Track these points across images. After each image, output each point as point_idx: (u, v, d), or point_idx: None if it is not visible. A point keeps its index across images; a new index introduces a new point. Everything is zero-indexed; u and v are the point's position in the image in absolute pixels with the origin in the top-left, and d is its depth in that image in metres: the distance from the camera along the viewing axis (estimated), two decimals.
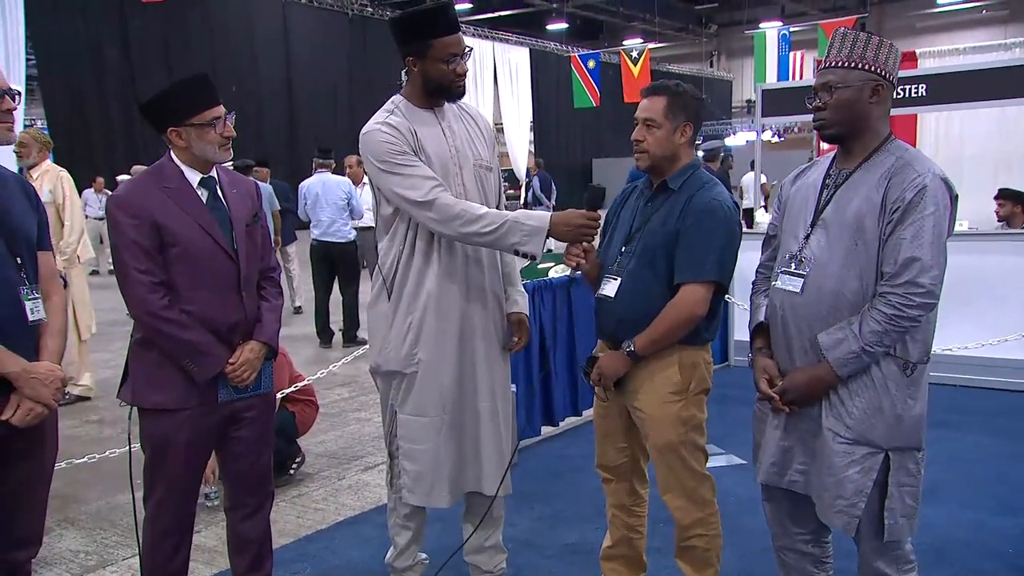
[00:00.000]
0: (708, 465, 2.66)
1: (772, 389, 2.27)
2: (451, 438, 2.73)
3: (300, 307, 9.46)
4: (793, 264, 2.24)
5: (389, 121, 2.64)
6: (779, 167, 15.33)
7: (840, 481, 2.15)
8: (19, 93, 2.30)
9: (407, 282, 2.69)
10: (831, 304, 2.16)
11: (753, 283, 2.50)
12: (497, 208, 2.84)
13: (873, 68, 2.15)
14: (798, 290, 2.21)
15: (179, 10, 14.64)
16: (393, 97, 2.76)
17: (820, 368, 2.16)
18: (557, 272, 4.95)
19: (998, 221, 6.78)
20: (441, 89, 2.69)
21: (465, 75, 2.70)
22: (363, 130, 2.67)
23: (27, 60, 11.58)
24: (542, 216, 2.55)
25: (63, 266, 5.48)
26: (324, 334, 7.75)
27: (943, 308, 2.17)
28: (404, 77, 2.74)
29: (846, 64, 2.17)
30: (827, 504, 2.19)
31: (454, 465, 2.75)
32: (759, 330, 2.40)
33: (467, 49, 2.67)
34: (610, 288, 2.59)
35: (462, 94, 2.75)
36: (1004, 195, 6.87)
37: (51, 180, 5.44)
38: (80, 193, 6.36)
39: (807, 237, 2.24)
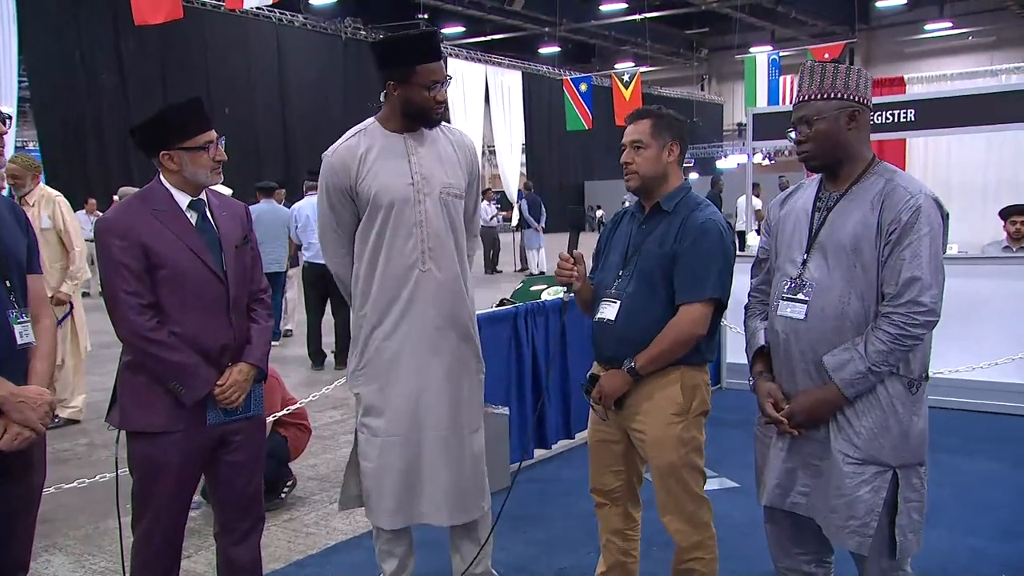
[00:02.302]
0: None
1: (779, 413, 2.27)
2: (400, 460, 2.74)
3: (290, 330, 9.42)
4: (794, 290, 2.26)
5: (340, 151, 2.73)
6: (769, 189, 15.41)
7: (851, 501, 2.16)
8: (10, 117, 2.30)
9: (366, 306, 2.76)
10: (834, 327, 2.18)
11: (746, 307, 2.51)
12: (467, 234, 2.89)
13: (846, 95, 2.19)
14: (802, 316, 2.23)
15: (173, 32, 14.69)
16: (368, 119, 2.81)
17: (827, 390, 2.18)
18: (550, 295, 4.96)
19: (1008, 241, 6.44)
20: (420, 115, 2.72)
21: (445, 102, 2.74)
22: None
23: (20, 82, 11.59)
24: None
25: (71, 290, 5.48)
26: (316, 356, 7.72)
27: (935, 332, 2.19)
28: (382, 100, 2.76)
29: (819, 96, 2.20)
30: (837, 525, 2.19)
31: (401, 487, 2.75)
32: (758, 354, 2.40)
33: (448, 77, 2.71)
34: (610, 311, 2.59)
35: (439, 121, 2.78)
36: (1016, 211, 6.22)
37: (48, 206, 5.42)
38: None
39: (804, 262, 2.26)
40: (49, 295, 5.03)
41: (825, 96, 2.19)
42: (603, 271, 2.71)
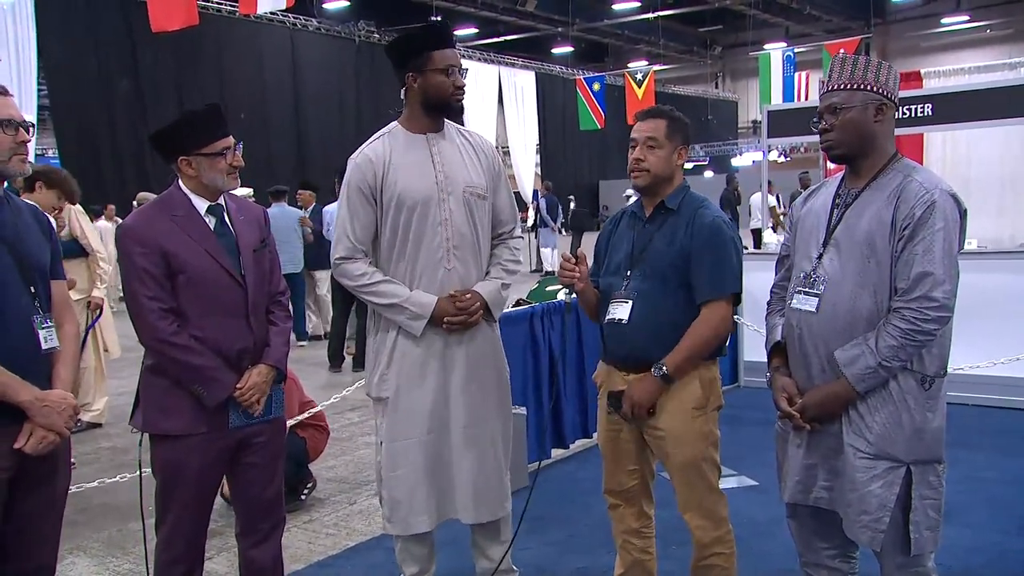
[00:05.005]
0: (721, 487, 2.65)
1: (792, 407, 2.27)
2: (428, 461, 2.76)
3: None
4: (807, 284, 2.26)
5: (366, 152, 2.76)
6: (787, 186, 15.34)
7: (863, 496, 2.16)
8: (33, 125, 2.33)
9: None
10: (846, 322, 2.18)
11: (768, 303, 2.52)
12: (495, 238, 2.91)
13: (875, 88, 2.20)
14: (813, 309, 2.24)
15: (188, 39, 14.78)
16: (391, 123, 2.84)
17: (838, 385, 2.18)
18: (565, 295, 4.96)
19: None
20: (441, 103, 2.75)
21: (463, 89, 2.76)
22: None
23: (39, 90, 11.73)
24: (427, 303, 2.69)
25: (103, 293, 5.56)
26: (335, 358, 7.74)
27: (954, 327, 2.18)
28: (403, 97, 2.79)
29: (848, 86, 2.21)
30: (852, 520, 2.20)
31: (433, 487, 2.77)
32: (776, 349, 2.41)
33: (464, 68, 2.74)
34: (622, 311, 2.59)
35: (461, 109, 2.81)
36: None
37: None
38: (92, 221, 6.41)
39: (820, 257, 2.26)
40: (78, 298, 5.09)
41: (855, 87, 2.20)
42: (608, 273, 2.70)
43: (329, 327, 9.41)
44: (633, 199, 2.78)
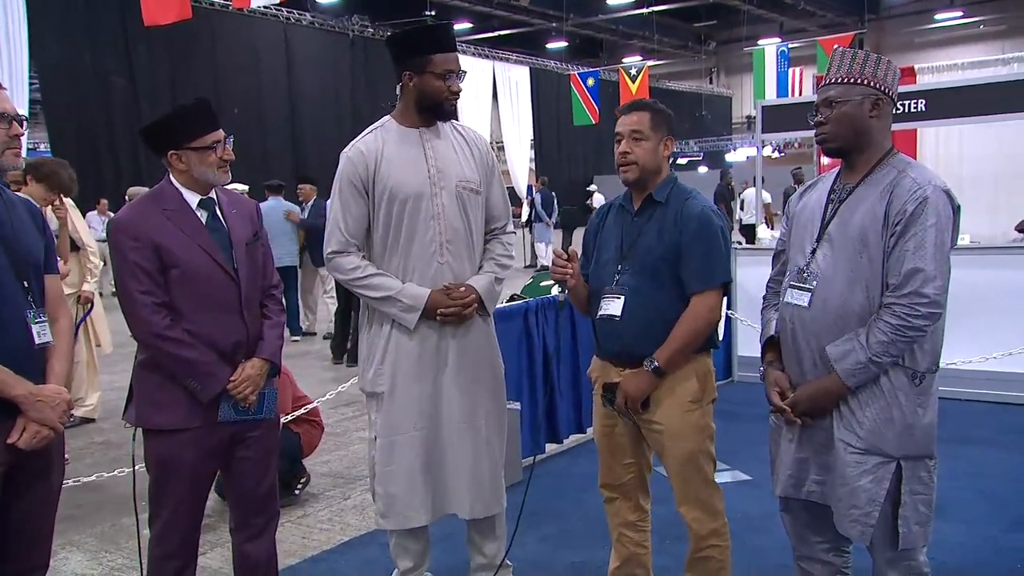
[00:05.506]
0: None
1: (783, 401, 2.28)
2: (424, 455, 2.76)
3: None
4: (800, 279, 2.27)
5: (358, 146, 2.77)
6: (780, 182, 15.36)
7: (854, 491, 2.17)
8: (27, 119, 2.32)
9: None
10: (838, 317, 2.19)
11: (764, 297, 2.53)
12: (488, 233, 2.91)
13: (872, 83, 2.20)
14: (806, 304, 2.24)
15: (182, 33, 14.72)
16: (384, 117, 2.83)
17: (829, 379, 2.19)
18: (558, 292, 4.97)
19: None
20: (434, 106, 2.75)
21: (459, 94, 2.76)
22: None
23: (31, 84, 11.66)
24: (420, 295, 2.70)
25: (94, 288, 5.55)
26: (337, 351, 7.74)
27: (948, 323, 2.19)
28: (398, 92, 2.79)
29: (846, 80, 2.21)
30: (842, 514, 2.21)
31: (428, 481, 2.78)
32: (770, 344, 2.42)
33: (462, 71, 2.73)
34: (614, 307, 2.59)
35: (453, 113, 2.82)
36: None
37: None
38: (84, 215, 6.40)
39: (813, 252, 2.27)
40: (69, 292, 5.08)
41: (852, 81, 2.20)
42: (598, 268, 2.70)
43: (333, 323, 9.46)
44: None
